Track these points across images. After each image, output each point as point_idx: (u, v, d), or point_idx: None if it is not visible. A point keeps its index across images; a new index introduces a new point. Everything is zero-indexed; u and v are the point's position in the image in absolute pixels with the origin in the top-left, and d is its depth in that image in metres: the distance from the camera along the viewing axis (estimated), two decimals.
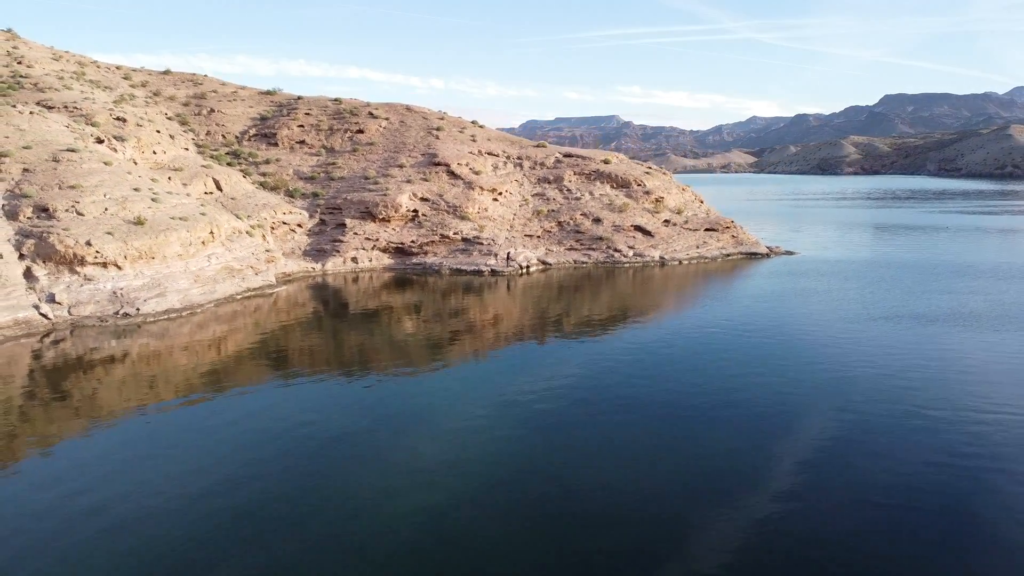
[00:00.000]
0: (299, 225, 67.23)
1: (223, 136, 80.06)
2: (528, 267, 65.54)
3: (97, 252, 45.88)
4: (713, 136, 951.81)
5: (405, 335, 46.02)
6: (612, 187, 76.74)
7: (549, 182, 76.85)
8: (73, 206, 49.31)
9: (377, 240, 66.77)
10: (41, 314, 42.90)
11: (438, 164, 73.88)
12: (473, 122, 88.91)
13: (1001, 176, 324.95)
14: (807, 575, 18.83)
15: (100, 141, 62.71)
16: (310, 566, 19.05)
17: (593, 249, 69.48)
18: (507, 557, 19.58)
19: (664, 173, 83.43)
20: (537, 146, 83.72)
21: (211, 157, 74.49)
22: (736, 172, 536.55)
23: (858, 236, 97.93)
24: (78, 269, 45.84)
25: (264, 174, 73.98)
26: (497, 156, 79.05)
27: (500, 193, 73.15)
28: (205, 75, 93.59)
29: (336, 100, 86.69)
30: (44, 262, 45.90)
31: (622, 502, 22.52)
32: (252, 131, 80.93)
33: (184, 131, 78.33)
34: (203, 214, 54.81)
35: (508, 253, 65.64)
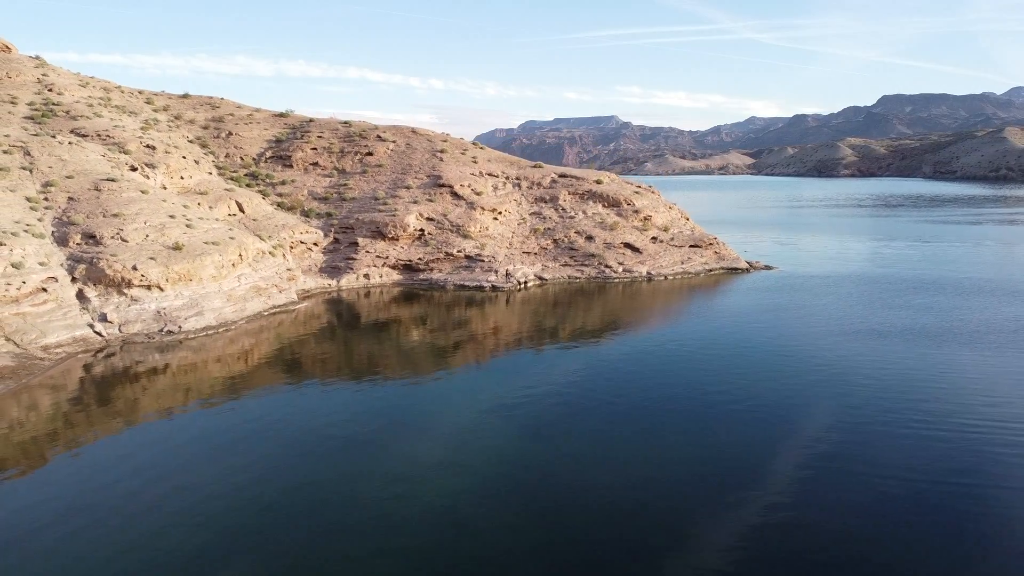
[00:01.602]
0: (315, 244, 73.02)
1: (241, 158, 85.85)
2: (526, 282, 71.29)
3: (142, 275, 51.67)
4: (712, 136, 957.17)
5: (413, 345, 51.93)
6: (604, 206, 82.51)
7: (545, 201, 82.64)
8: (118, 233, 55.09)
9: (387, 257, 72.55)
10: (96, 332, 48.70)
11: (442, 185, 79.66)
12: (474, 143, 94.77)
13: (995, 179, 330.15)
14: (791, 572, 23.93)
15: (133, 169, 68.53)
16: (336, 543, 24.69)
17: (586, 265, 75.23)
18: (509, 541, 25.07)
19: (652, 191, 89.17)
20: (534, 167, 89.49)
21: (231, 179, 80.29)
22: (734, 174, 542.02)
23: (840, 248, 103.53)
24: (125, 291, 51.62)
25: (281, 195, 79.77)
26: (497, 177, 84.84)
27: (500, 212, 78.89)
28: (222, 98, 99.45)
29: (346, 123, 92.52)
30: (95, 284, 51.68)
31: (614, 497, 27.62)
32: (268, 153, 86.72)
33: (205, 153, 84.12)
34: (232, 238, 60.60)
35: (507, 270, 71.37)
